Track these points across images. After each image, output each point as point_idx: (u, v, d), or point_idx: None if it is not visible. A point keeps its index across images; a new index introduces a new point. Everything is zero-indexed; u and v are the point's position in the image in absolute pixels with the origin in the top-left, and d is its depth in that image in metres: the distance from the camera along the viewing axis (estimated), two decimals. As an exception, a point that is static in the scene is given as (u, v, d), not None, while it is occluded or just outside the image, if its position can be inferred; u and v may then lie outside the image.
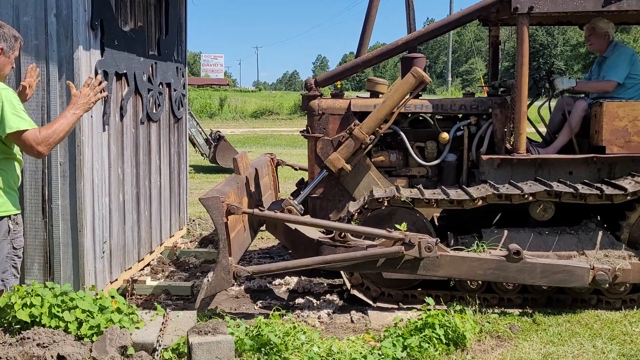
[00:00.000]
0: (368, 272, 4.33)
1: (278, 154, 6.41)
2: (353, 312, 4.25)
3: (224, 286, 3.90)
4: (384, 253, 3.99)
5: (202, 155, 12.46)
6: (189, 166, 8.90)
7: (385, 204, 4.31)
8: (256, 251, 6.12)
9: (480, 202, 4.24)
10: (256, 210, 4.01)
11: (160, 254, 5.75)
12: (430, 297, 4.05)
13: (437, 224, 4.72)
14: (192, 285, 4.82)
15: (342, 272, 4.47)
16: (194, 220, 7.27)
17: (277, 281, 5.01)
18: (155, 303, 4.13)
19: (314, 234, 4.27)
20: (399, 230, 4.03)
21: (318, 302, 4.48)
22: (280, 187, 7.06)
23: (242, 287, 4.90)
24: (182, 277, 5.17)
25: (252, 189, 4.94)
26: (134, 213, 4.97)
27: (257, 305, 4.49)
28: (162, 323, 3.69)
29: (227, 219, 3.88)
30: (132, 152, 4.91)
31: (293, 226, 4.35)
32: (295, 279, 5.01)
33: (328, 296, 4.56)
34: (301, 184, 5.74)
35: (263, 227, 5.01)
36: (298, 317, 4.16)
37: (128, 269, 4.88)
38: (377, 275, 4.39)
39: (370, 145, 4.64)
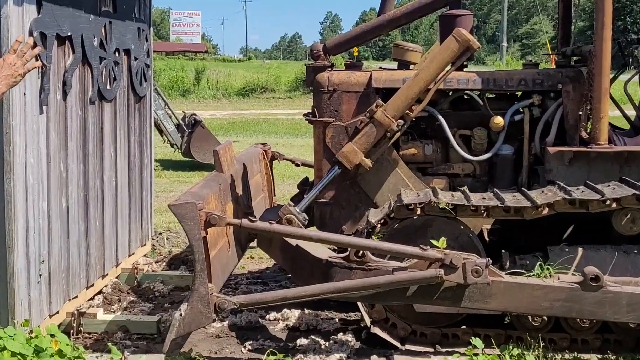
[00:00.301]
0: (394, 304, 4.32)
1: (274, 145, 6.42)
2: (374, 357, 4.24)
3: (201, 322, 3.91)
4: (416, 278, 3.99)
5: (172, 146, 12.52)
6: (155, 161, 8.88)
7: (418, 212, 4.30)
8: (244, 275, 6.13)
9: (546, 211, 4.22)
10: (245, 221, 4.01)
11: (116, 278, 5.77)
12: (477, 338, 4.03)
13: (487, 239, 4.71)
14: (159, 320, 4.83)
15: (359, 304, 4.46)
16: (161, 234, 7.30)
17: (273, 315, 5.00)
18: (110, 344, 4.13)
19: (321, 252, 4.27)
20: (436, 247, 4.02)
21: (327, 343, 4.48)
22: (278, 189, 7.05)
23: (226, 324, 4.91)
24: (145, 310, 5.18)
25: (240, 192, 4.94)
26: (81, 223, 4.97)
27: (245, 347, 4.49)
28: None
29: (206, 233, 3.89)
30: (78, 141, 4.91)
31: (294, 242, 4.34)
32: (296, 313, 5.01)
33: (340, 336, 4.55)
34: (305, 185, 5.74)
35: (253, 243, 5.01)
36: None
37: (73, 298, 4.89)
38: (406, 308, 4.37)
39: (398, 134, 4.63)
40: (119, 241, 5.70)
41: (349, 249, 4.11)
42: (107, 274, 5.55)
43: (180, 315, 3.86)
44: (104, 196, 5.36)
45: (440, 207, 4.24)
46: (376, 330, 4.41)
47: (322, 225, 4.81)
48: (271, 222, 4.06)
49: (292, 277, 4.95)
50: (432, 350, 4.34)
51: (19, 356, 3.50)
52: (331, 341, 4.51)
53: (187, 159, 12.49)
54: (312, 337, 4.57)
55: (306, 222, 4.56)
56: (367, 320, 4.44)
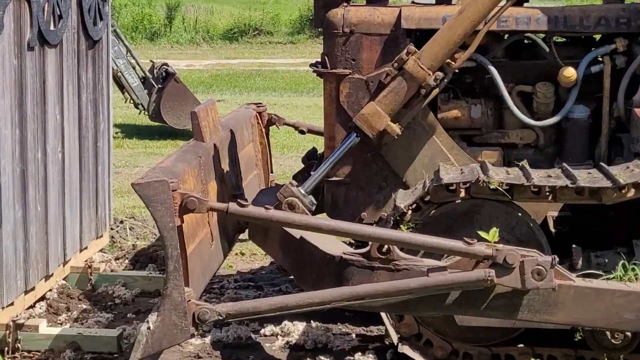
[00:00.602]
0: (429, 316, 4.35)
1: (271, 106, 6.44)
2: None
3: (176, 338, 3.92)
4: (459, 282, 3.99)
5: (136, 106, 12.54)
6: (114, 126, 8.87)
7: (462, 194, 4.31)
8: (232, 276, 6.17)
9: (631, 193, 4.21)
10: (232, 206, 4.01)
11: (64, 279, 5.82)
12: (539, 360, 4.06)
13: (553, 230, 4.72)
14: (120, 335, 4.88)
15: (383, 316, 4.49)
16: (122, 222, 7.34)
17: (269, 329, 5.05)
18: None
19: (333, 247, 4.28)
20: (486, 241, 4.02)
21: None
22: (276, 163, 7.08)
23: (208, 340, 4.95)
24: (101, 321, 5.24)
25: (226, 167, 4.96)
26: (17, 208, 5.02)
27: None
28: None
29: (182, 221, 3.91)
30: (12, 100, 4.94)
31: (297, 234, 4.35)
32: (300, 327, 5.05)
33: (358, 357, 4.58)
34: (312, 159, 5.76)
35: (244, 235, 5.04)
36: None
37: (8, 306, 4.94)
38: (445, 320, 4.39)
39: (436, 91, 4.64)
40: (67, 232, 5.75)
41: (370, 243, 4.10)
42: (52, 275, 5.61)
43: (149, 329, 3.86)
44: (47, 172, 5.41)
45: (492, 187, 4.23)
46: (405, 349, 4.43)
47: (334, 212, 4.83)
48: (267, 208, 4.05)
49: (294, 279, 4.98)
50: None
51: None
52: None
53: (157, 123, 12.52)
54: (321, 357, 4.60)
55: (313, 208, 4.57)
56: (394, 337, 4.47)
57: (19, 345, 4.81)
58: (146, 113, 12.38)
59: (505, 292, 3.99)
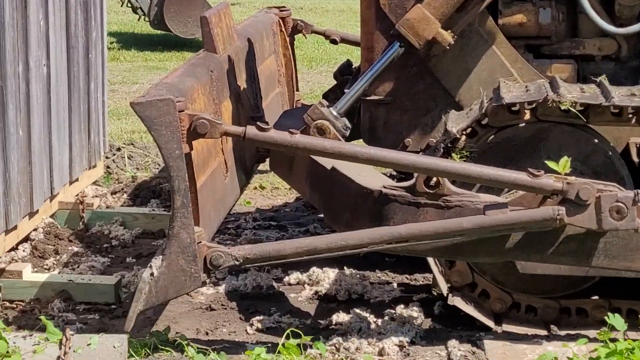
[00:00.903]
0: (486, 262, 4.35)
1: (296, 10, 6.39)
2: (453, 343, 4.28)
3: (184, 287, 3.96)
4: (522, 221, 3.99)
5: (134, 10, 12.51)
6: (109, 35, 8.82)
7: (527, 115, 4.29)
8: (251, 214, 6.19)
9: None
10: (250, 129, 4.02)
11: (51, 217, 5.87)
12: (617, 315, 4.05)
13: (636, 160, 4.69)
14: (118, 282, 4.92)
15: (430, 261, 4.49)
16: (119, 150, 7.35)
17: (294, 277, 5.08)
18: (43, 318, 4.17)
19: (371, 179, 4.29)
20: (554, 172, 4.01)
21: (380, 321, 4.51)
22: (302, 80, 7.06)
23: (222, 289, 4.99)
24: (96, 267, 5.27)
25: (242, 83, 4.95)
26: (-4, 132, 5.04)
27: (252, 325, 4.55)
28: (58, 359, 3.75)
29: (191, 147, 3.92)
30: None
31: (328, 163, 4.36)
32: (331, 274, 5.07)
33: (401, 310, 4.60)
34: (346, 74, 5.74)
35: (264, 165, 5.05)
36: (338, 351, 4.20)
37: (-15, 249, 5.00)
38: (505, 267, 4.39)
39: (496, -10, 4.61)
40: (54, 161, 5.78)
41: (416, 175, 4.10)
42: (37, 212, 5.64)
43: (152, 275, 3.90)
44: (29, 90, 5.40)
45: (563, 108, 4.21)
46: (456, 301, 4.44)
47: (372, 137, 4.82)
48: (292, 132, 4.05)
49: (324, 218, 4.98)
50: (544, 332, 4.37)
51: None
52: (386, 317, 4.53)
53: (159, 31, 12.49)
54: (357, 311, 4.60)
55: (347, 132, 4.58)
56: (443, 287, 4.47)
57: (-1, 294, 4.87)
58: (147, 19, 12.34)
59: (577, 233, 4.01)
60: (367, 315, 4.57)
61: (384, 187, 4.17)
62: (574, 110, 4.21)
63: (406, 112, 4.80)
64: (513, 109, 4.28)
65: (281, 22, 5.98)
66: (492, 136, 4.37)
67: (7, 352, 3.74)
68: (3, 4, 5.05)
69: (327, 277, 5.04)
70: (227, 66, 4.72)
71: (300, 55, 6.55)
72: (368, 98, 4.78)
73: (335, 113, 4.53)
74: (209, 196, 4.18)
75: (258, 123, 4.05)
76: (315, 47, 10.98)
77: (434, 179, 4.08)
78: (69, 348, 3.83)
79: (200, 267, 3.94)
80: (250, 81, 5.13)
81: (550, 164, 4.03)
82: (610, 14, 4.79)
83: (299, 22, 6.13)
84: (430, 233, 4.03)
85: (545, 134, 4.34)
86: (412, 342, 4.30)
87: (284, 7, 6.16)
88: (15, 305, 4.81)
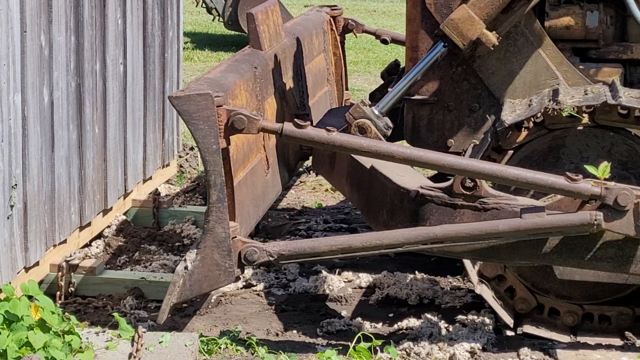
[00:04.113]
0: (522, 264, 4.34)
1: (348, 9, 6.36)
2: (525, 350, 4.29)
3: (218, 280, 4.00)
4: (559, 225, 3.96)
5: (209, 11, 12.57)
6: (185, 35, 8.81)
7: (585, 119, 4.30)
8: (321, 216, 6.15)
9: None
10: (288, 126, 4.01)
11: (125, 214, 5.90)
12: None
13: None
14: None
15: (466, 264, 4.45)
16: (192, 149, 7.37)
17: (365, 279, 5.11)
18: (116, 315, 4.24)
19: (410, 179, 4.29)
20: (594, 177, 3.97)
21: (451, 327, 4.53)
22: (352, 79, 7.03)
23: (293, 290, 5.03)
24: (168, 265, 5.27)
25: (288, 81, 4.95)
26: (72, 129, 5.06)
27: (322, 327, 4.61)
28: (130, 356, 3.81)
29: (228, 142, 3.93)
30: (67, 1, 4.93)
31: (368, 162, 4.35)
32: (402, 278, 5.06)
33: (472, 316, 4.61)
34: (393, 74, 5.73)
35: (308, 162, 5.04)
36: (408, 355, 4.26)
37: (60, 244, 5.01)
38: (563, 282, 4.38)
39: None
40: (128, 159, 5.82)
41: (454, 176, 4.10)
42: (111, 209, 5.68)
43: (186, 269, 3.94)
44: (106, 88, 5.44)
45: (622, 113, 4.24)
46: (527, 328, 4.48)
47: (415, 137, 4.82)
48: (329, 130, 4.05)
49: (363, 216, 4.99)
50: (619, 342, 4.37)
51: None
52: (457, 323, 4.56)
53: (233, 31, 12.53)
54: (427, 315, 4.62)
55: (389, 132, 4.58)
56: (474, 280, 4.43)
57: (72, 289, 4.88)
58: (221, 19, 12.40)
59: (615, 239, 3.99)
60: (438, 320, 4.60)
61: (421, 187, 4.17)
62: (621, 113, 4.27)
63: (450, 112, 4.80)
64: (562, 109, 4.27)
65: (332, 21, 5.99)
66: (535, 138, 4.41)
67: (80, 347, 3.84)
68: (82, 3, 5.10)
69: (397, 281, 5.06)
70: (272, 63, 4.73)
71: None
72: (411, 98, 4.79)
73: (377, 112, 4.56)
74: (247, 192, 4.21)
75: (295, 120, 4.06)
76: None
77: (474, 181, 4.07)
78: (141, 345, 3.95)
79: (235, 261, 3.98)
80: (297, 79, 5.15)
81: (590, 169, 4.02)
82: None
83: (350, 20, 6.14)
84: (466, 235, 4.03)
85: (587, 139, 4.37)
86: (483, 349, 4.35)
87: (335, 5, 6.17)
88: (87, 301, 4.88)
